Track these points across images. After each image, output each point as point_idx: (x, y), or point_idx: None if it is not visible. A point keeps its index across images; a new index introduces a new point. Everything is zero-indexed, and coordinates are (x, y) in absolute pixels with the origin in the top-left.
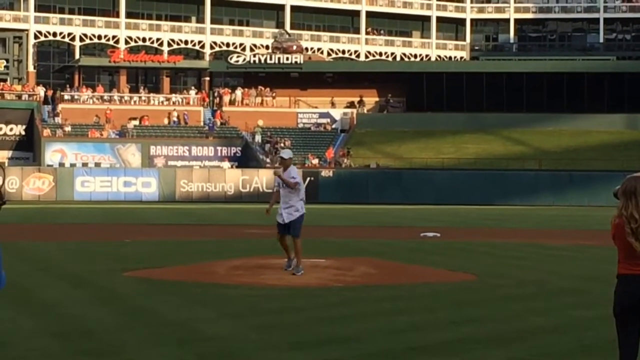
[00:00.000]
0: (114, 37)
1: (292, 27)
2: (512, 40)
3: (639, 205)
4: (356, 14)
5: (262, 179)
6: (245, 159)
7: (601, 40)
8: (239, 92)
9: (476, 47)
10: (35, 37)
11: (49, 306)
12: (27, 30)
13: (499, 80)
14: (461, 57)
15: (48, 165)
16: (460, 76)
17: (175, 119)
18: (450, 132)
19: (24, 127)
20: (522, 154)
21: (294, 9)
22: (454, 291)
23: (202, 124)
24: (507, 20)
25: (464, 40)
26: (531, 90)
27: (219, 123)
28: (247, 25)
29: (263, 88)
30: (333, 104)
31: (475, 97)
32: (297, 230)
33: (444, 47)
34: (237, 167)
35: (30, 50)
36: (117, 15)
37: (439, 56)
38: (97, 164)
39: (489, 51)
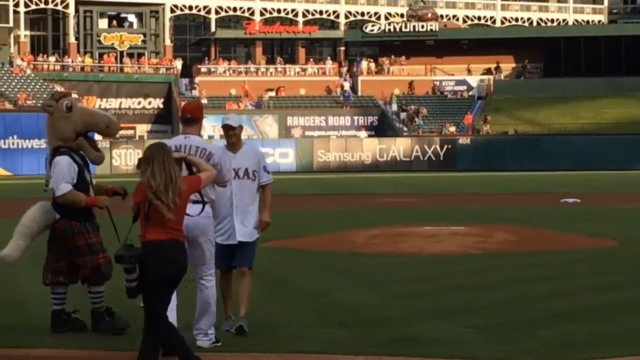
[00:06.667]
0: (249, 9)
1: None
2: None
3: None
4: None
5: (399, 147)
6: (382, 128)
7: None
8: (364, 62)
9: (614, 11)
10: (172, 11)
11: None
12: (163, 4)
13: (638, 44)
14: (599, 21)
15: None
16: (598, 40)
17: (341, 89)
18: (589, 97)
19: (162, 100)
20: None
21: None
22: (595, 257)
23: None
24: None
25: (602, 3)
26: None
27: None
28: None
29: (397, 57)
30: (469, 71)
31: (614, 61)
32: (252, 256)
33: (581, 11)
34: (373, 136)
35: (167, 24)
36: None
37: (576, 20)
38: None
39: (627, 14)
